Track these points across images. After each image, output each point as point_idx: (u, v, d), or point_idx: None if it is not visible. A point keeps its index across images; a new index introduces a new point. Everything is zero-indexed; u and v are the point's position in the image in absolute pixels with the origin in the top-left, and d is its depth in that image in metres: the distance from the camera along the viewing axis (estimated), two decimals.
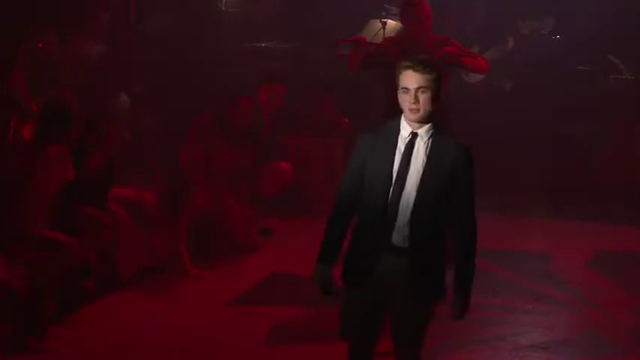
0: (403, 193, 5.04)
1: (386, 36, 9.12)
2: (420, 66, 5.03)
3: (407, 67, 5.06)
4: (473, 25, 11.89)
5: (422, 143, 5.07)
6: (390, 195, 5.04)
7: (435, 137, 5.09)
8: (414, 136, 5.08)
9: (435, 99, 5.06)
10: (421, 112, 5.05)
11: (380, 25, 9.68)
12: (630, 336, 7.45)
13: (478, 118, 10.31)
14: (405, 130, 5.10)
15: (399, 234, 5.05)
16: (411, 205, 5.02)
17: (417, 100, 5.03)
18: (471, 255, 5.12)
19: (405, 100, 5.07)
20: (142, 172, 8.76)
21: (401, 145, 5.08)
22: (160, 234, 8.49)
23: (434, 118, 5.15)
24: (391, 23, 9.89)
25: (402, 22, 8.72)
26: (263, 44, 11.47)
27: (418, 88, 5.03)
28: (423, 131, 5.09)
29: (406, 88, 5.05)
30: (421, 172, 5.03)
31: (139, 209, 8.40)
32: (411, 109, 5.05)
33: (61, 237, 7.29)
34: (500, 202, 10.21)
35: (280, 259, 8.77)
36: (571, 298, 8.16)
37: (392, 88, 8.33)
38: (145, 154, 9.05)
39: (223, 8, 11.69)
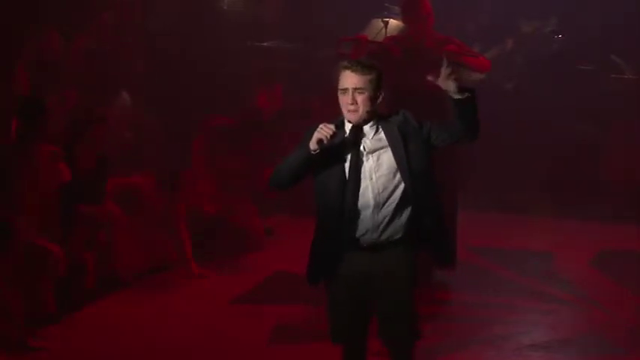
0: (367, 193, 5.01)
1: (388, 35, 9.12)
2: (357, 66, 5.02)
3: (345, 68, 5.04)
4: (475, 23, 11.88)
5: (369, 139, 5.05)
6: (348, 201, 5.01)
7: (382, 126, 5.07)
8: (358, 133, 5.05)
9: (373, 99, 5.04)
10: (360, 112, 5.03)
11: (382, 24, 9.66)
12: (631, 335, 7.44)
13: (480, 117, 10.29)
14: (350, 131, 5.06)
15: (374, 232, 5.05)
16: (383, 200, 5.01)
17: (354, 101, 5.01)
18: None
19: (343, 101, 5.06)
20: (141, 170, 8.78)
21: (349, 147, 5.04)
22: (162, 233, 8.52)
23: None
24: (393, 22, 9.86)
25: (403, 21, 8.73)
26: (265, 44, 11.46)
27: (355, 89, 5.01)
28: (367, 127, 5.07)
29: (344, 89, 5.03)
30: (384, 166, 5.01)
31: (136, 196, 8.41)
32: (349, 110, 5.04)
33: (48, 246, 7.27)
34: (501, 201, 10.20)
35: (283, 259, 8.76)
36: (572, 297, 8.15)
37: (392, 87, 8.36)
38: (144, 154, 9.05)
39: (225, 7, 11.68)
